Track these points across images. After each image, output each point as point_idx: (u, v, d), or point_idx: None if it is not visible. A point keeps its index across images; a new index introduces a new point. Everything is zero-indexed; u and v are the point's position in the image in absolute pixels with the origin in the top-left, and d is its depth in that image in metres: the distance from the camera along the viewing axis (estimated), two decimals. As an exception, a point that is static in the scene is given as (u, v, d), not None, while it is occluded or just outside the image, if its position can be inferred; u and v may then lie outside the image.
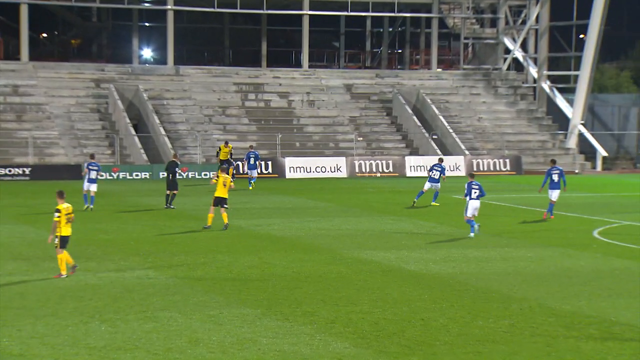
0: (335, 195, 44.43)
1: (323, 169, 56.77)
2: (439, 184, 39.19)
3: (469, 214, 29.78)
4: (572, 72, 68.66)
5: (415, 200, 38.73)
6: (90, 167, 37.07)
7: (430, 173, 39.33)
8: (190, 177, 54.59)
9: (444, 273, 23.19)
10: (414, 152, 61.60)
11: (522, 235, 30.45)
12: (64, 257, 21.86)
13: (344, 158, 58.09)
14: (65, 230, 21.76)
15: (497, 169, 59.59)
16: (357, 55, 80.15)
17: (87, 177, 36.84)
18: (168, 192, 37.39)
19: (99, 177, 37.23)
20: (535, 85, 69.95)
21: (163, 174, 54.51)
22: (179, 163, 39.14)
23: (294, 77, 67.57)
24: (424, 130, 62.65)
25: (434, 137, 62.11)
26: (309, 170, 56.81)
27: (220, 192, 30.88)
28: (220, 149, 50.09)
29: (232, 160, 48.89)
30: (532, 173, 60.07)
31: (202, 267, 23.65)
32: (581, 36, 68.12)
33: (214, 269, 23.35)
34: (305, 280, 22.12)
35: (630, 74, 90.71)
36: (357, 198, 43.48)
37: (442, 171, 39.24)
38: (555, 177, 34.94)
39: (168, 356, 15.33)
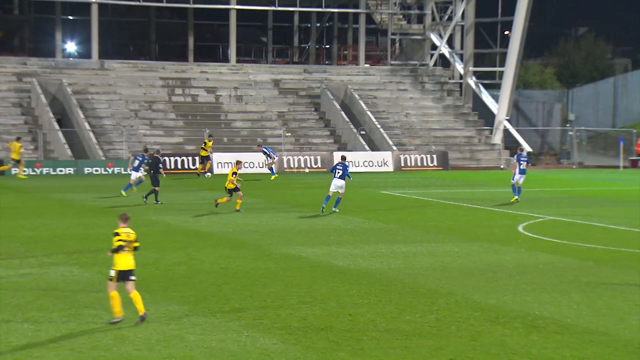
0: (264, 191, 44.37)
1: (251, 165, 56.63)
2: (343, 182, 34.81)
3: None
4: (498, 69, 69.56)
5: (324, 206, 34.51)
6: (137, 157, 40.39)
7: (334, 173, 35.03)
8: (116, 172, 54.00)
9: (372, 268, 23.32)
10: (342, 147, 61.80)
11: (448, 230, 30.77)
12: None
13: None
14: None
15: (424, 164, 60.11)
16: (285, 50, 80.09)
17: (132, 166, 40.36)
18: (157, 188, 37.40)
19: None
20: (461, 81, 70.70)
21: (88, 170, 53.93)
22: (161, 159, 39.00)
23: (221, 72, 67.27)
24: (352, 126, 62.89)
25: (362, 132, 62.40)
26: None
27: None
28: (205, 144, 50.23)
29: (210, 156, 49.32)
30: (459, 168, 60.73)
31: (128, 263, 23.39)
32: (506, 33, 69.02)
33: (140, 266, 23.08)
34: (233, 276, 22.05)
35: (553, 70, 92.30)
36: (285, 194, 43.48)
37: (345, 169, 34.69)
38: (524, 165, 38.23)
39: (93, 354, 15.16)
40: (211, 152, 52.92)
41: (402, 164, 59.44)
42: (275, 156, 51.79)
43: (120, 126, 59.17)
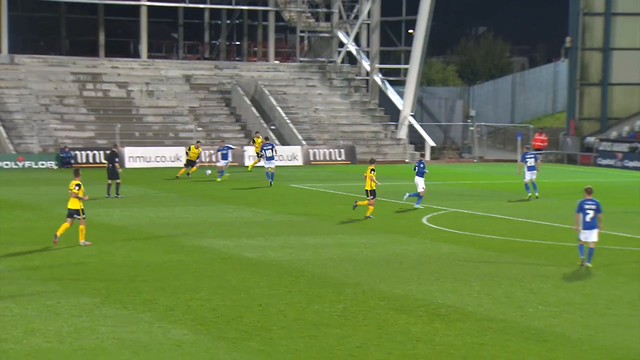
0: (175, 185, 44.01)
1: (163, 159, 56.12)
2: (421, 179, 34.91)
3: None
4: (402, 66, 70.21)
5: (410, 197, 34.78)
6: (265, 147, 43.62)
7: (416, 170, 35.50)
8: (27, 166, 52.92)
9: (281, 260, 23.35)
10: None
11: (355, 222, 30.96)
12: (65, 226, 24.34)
13: (183, 148, 57.53)
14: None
15: (333, 158, 60.38)
16: (196, 46, 79.47)
17: (264, 156, 43.32)
18: (110, 181, 36.96)
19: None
20: (368, 78, 71.17)
21: (-2, 164, 52.74)
22: (117, 153, 38.81)
23: (132, 68, 66.45)
24: (262, 121, 62.80)
25: (272, 127, 62.35)
26: (148, 160, 56.04)
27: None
28: (190, 149, 48.28)
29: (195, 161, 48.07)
30: (366, 162, 61.08)
31: (39, 257, 22.99)
32: (410, 31, 69.72)
33: (51, 259, 22.75)
34: (144, 268, 21.83)
35: (455, 68, 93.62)
36: (196, 187, 43.19)
37: (420, 165, 34.93)
38: (532, 161, 38.31)
39: (3, 346, 14.84)
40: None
41: (312, 158, 59.61)
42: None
43: (31, 120, 57.98)
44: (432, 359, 14.69)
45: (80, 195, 24.55)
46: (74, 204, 24.59)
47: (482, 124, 72.60)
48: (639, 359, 14.77)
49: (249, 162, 56.99)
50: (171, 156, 56.51)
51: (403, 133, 66.02)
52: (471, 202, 37.08)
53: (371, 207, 31.66)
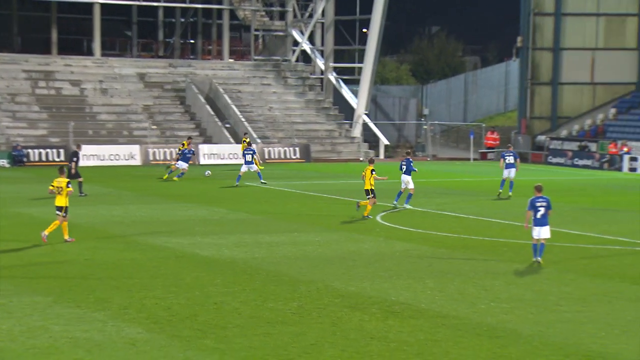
0: (130, 183, 43.70)
1: (117, 157, 55.72)
2: (409, 177, 34.40)
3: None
4: (356, 65, 70.37)
5: (395, 203, 34.41)
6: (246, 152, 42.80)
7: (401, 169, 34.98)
8: (-22, 165, 52.22)
9: (236, 258, 23.29)
10: (208, 140, 61.44)
11: (310, 220, 30.99)
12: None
13: (137, 146, 57.22)
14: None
15: (288, 156, 60.36)
16: (150, 44, 78.93)
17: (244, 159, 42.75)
18: (80, 179, 36.90)
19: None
20: (322, 76, 71.23)
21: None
22: (79, 152, 38.37)
23: (86, 65, 65.86)
24: (217, 119, 62.59)
25: (227, 125, 62.16)
26: (102, 158, 55.58)
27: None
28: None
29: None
30: (320, 160, 61.21)
31: (-9, 256, 22.70)
32: (364, 30, 69.91)
33: (3, 258, 22.47)
34: (98, 267, 21.65)
35: (409, 67, 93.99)
36: (151, 185, 42.93)
37: (409, 164, 34.48)
38: (511, 159, 38.13)
39: (-45, 348, 14.64)
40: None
41: (266, 156, 59.52)
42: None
43: (-17, 118, 57.25)
44: (385, 356, 14.74)
45: (71, 190, 24.86)
46: (60, 201, 24.69)
47: (436, 122, 73.01)
48: (588, 355, 14.96)
49: (203, 161, 56.81)
50: (125, 154, 56.12)
51: (357, 131, 66.18)
52: (424, 200, 37.26)
53: (369, 207, 31.44)
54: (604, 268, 22.52)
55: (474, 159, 64.87)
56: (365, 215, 31.34)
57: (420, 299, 18.75)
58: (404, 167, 34.34)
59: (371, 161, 32.58)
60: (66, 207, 24.83)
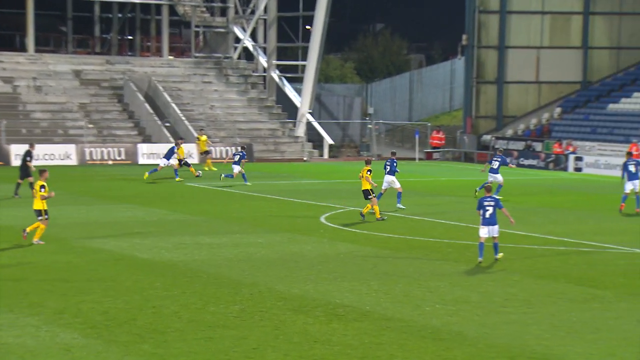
0: (65, 183, 43.16)
1: (52, 157, 55.01)
2: (393, 177, 34.19)
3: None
4: (300, 62, 70.38)
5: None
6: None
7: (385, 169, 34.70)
8: None
9: (176, 260, 23.15)
10: (147, 139, 60.97)
11: (252, 221, 30.93)
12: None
13: (73, 145, 56.60)
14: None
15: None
16: (86, 40, 78.11)
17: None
18: (20, 180, 36.30)
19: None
20: (265, 74, 71.13)
21: None
22: (31, 152, 37.69)
23: (18, 62, 64.94)
24: (156, 118, 62.14)
25: (167, 124, 61.76)
26: (36, 158, 54.63)
27: None
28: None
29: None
30: (263, 160, 61.11)
31: None
32: (307, 27, 69.96)
33: None
34: (31, 270, 21.37)
35: (353, 65, 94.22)
36: (88, 186, 42.49)
37: (393, 164, 34.43)
38: (495, 165, 37.85)
39: None
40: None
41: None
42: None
43: None
44: (329, 360, 14.77)
45: (46, 194, 24.63)
46: (37, 205, 24.70)
47: (381, 121, 73.31)
48: (533, 356, 15.14)
49: (142, 160, 56.41)
50: (60, 154, 55.45)
51: (301, 131, 66.20)
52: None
53: (369, 206, 31.32)
54: (549, 269, 22.82)
55: (420, 159, 65.27)
56: (378, 217, 31.06)
57: (364, 302, 18.82)
58: (388, 167, 34.31)
59: (368, 162, 32.49)
60: (43, 210, 24.81)
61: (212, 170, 48.49)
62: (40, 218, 24.96)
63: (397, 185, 34.08)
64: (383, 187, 33.99)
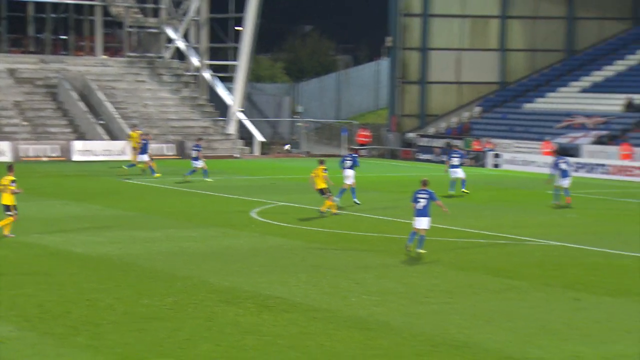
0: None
1: (-11, 155, 53.99)
2: (352, 172, 34.20)
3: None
4: (231, 62, 70.10)
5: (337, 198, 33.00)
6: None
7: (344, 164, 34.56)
8: None
9: (111, 254, 22.92)
10: (81, 137, 60.15)
11: (185, 216, 30.74)
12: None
13: (8, 142, 55.60)
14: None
15: (163, 153, 59.63)
16: (20, 40, 76.63)
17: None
18: None
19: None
20: (197, 74, 70.69)
21: None
22: None
23: (-46, 60, 63.58)
24: (90, 116, 61.35)
25: (101, 122, 61.03)
26: (-29, 155, 53.76)
27: None
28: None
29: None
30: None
31: None
32: (238, 28, 69.68)
33: None
34: (-33, 266, 20.96)
35: (283, 65, 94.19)
36: (24, 182, 41.65)
37: (354, 160, 34.38)
38: (456, 161, 37.99)
39: None
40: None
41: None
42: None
43: None
44: (260, 349, 14.76)
45: (16, 190, 24.45)
46: (7, 200, 24.43)
47: (309, 119, 73.40)
48: (454, 344, 15.33)
49: (77, 157, 55.72)
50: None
51: (232, 128, 65.97)
52: (298, 196, 37.45)
53: (327, 203, 30.99)
54: (469, 261, 23.12)
55: (346, 156, 65.41)
56: (333, 212, 30.89)
57: (294, 293, 18.86)
58: (349, 162, 34.03)
59: (322, 161, 32.16)
60: (12, 205, 24.55)
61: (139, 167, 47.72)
62: (9, 213, 24.72)
63: (352, 180, 34.05)
64: (348, 182, 33.78)
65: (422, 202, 23.47)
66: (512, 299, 18.74)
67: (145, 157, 44.83)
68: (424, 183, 24.03)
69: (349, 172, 33.91)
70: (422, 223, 23.47)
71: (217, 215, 31.25)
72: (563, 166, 35.03)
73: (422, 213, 23.45)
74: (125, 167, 45.74)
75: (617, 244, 25.69)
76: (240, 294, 18.60)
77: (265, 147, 67.57)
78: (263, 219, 30.14)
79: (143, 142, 45.42)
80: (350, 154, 34.71)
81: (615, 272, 21.65)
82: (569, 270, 21.83)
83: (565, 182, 34.79)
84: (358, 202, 33.96)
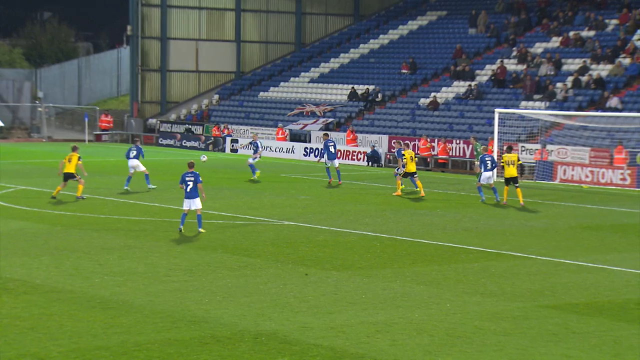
0: None
1: None
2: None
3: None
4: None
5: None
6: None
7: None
8: None
9: None
10: None
11: None
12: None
13: None
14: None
15: None
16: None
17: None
18: None
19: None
20: None
21: None
22: None
23: None
24: None
25: None
26: None
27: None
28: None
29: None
30: None
31: None
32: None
33: None
34: None
35: (22, 51, 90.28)
36: None
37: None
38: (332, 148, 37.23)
39: None
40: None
41: None
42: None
43: None
44: None
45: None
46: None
47: (51, 105, 70.80)
48: (193, 320, 15.38)
49: None
50: None
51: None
52: (40, 180, 36.08)
53: (80, 187, 30.17)
54: (209, 240, 23.26)
55: (89, 141, 63.82)
56: (80, 195, 30.14)
57: (35, 276, 18.19)
58: (134, 152, 33.63)
59: (75, 148, 31.03)
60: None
61: None
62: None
63: (142, 168, 33.88)
64: (136, 171, 33.59)
65: (190, 185, 23.64)
66: (248, 275, 19.07)
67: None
68: (191, 165, 24.10)
69: (134, 162, 33.80)
70: (195, 203, 23.67)
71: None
72: (332, 149, 36.97)
73: (192, 195, 23.65)
74: None
75: (343, 223, 26.77)
76: (-20, 279, 17.69)
77: (5, 132, 64.51)
78: (4, 203, 28.79)
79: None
80: (136, 145, 34.44)
81: (341, 249, 22.54)
82: (300, 248, 22.50)
83: (336, 163, 36.77)
84: (153, 186, 33.85)
